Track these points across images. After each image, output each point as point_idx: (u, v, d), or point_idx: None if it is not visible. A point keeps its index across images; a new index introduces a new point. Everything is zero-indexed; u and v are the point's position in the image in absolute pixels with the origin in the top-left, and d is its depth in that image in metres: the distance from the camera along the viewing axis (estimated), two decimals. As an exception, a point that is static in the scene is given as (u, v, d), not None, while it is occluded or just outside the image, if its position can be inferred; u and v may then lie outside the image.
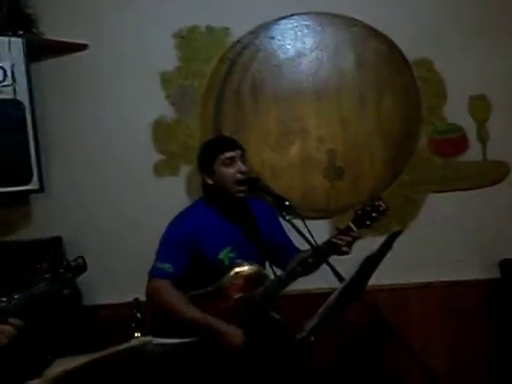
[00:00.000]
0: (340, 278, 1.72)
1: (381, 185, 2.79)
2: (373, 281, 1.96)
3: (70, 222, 2.77)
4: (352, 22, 2.76)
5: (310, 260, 1.85)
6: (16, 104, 2.55)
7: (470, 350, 2.74)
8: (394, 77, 2.77)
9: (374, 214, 1.93)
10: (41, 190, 2.62)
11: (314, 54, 2.81)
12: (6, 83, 2.54)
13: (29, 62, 2.60)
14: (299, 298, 2.53)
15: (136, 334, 2.27)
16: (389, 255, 1.90)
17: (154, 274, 1.95)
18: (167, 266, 1.91)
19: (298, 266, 1.90)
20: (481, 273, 2.77)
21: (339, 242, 1.88)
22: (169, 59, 2.77)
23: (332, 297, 1.66)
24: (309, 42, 2.80)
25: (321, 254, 1.81)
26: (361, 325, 2.17)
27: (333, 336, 2.21)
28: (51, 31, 2.72)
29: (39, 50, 2.70)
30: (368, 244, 1.87)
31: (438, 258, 2.76)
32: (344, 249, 1.87)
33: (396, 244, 1.90)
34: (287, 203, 1.88)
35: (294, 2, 2.77)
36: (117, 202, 2.78)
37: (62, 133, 2.78)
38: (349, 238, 1.87)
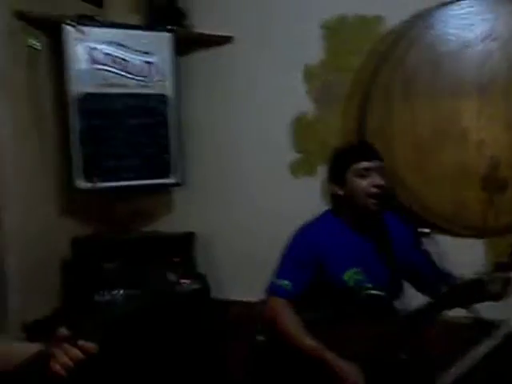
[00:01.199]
0: (484, 325, 1.42)
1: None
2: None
3: (206, 216, 2.79)
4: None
5: (444, 299, 1.56)
6: (161, 98, 2.61)
7: None
8: None
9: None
10: (180, 183, 2.67)
11: (481, 45, 2.41)
12: (153, 78, 2.60)
13: (177, 56, 2.64)
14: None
15: (258, 337, 2.21)
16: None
17: (272, 291, 1.82)
18: (286, 284, 1.77)
19: (435, 302, 1.62)
20: None
21: (492, 278, 1.55)
22: (314, 52, 2.60)
23: (475, 353, 1.36)
24: (476, 31, 2.41)
25: (458, 293, 1.51)
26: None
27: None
28: (200, 24, 2.73)
29: (187, 43, 2.73)
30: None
31: None
32: (495, 288, 1.53)
33: None
34: (426, 231, 1.61)
35: (460, -15, 2.41)
36: (251, 200, 2.74)
37: (205, 127, 2.79)
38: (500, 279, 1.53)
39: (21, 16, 2.37)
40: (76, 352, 1.00)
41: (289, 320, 1.72)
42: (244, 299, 2.67)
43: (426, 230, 1.61)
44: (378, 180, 1.76)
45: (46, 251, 2.47)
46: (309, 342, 1.66)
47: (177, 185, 2.68)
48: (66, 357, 0.99)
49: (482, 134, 2.42)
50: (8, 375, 0.99)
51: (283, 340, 1.72)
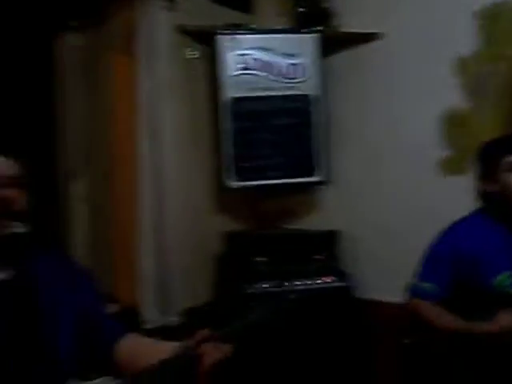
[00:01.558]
0: None
1: None
2: None
3: (351, 214, 2.79)
4: None
5: None
6: (307, 98, 2.66)
7: None
8: None
9: None
10: (325, 182, 2.71)
11: None
12: (299, 79, 2.67)
13: (323, 56, 2.68)
14: None
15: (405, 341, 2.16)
16: None
17: (414, 293, 1.77)
18: (429, 286, 1.71)
19: None
20: None
21: None
22: (467, 43, 2.44)
23: None
24: None
25: None
26: None
27: None
28: (346, 23, 2.73)
29: (333, 43, 2.75)
30: None
31: None
32: None
33: None
34: None
35: None
36: (398, 198, 2.66)
37: (351, 125, 2.79)
38: None
39: (180, 29, 2.60)
40: (220, 354, 1.02)
41: (433, 312, 1.67)
42: (389, 300, 2.60)
43: None
44: None
45: (201, 246, 2.69)
46: (458, 322, 1.63)
47: (322, 183, 2.72)
48: (213, 358, 1.02)
49: None
50: (154, 371, 1.02)
51: (434, 330, 1.67)
